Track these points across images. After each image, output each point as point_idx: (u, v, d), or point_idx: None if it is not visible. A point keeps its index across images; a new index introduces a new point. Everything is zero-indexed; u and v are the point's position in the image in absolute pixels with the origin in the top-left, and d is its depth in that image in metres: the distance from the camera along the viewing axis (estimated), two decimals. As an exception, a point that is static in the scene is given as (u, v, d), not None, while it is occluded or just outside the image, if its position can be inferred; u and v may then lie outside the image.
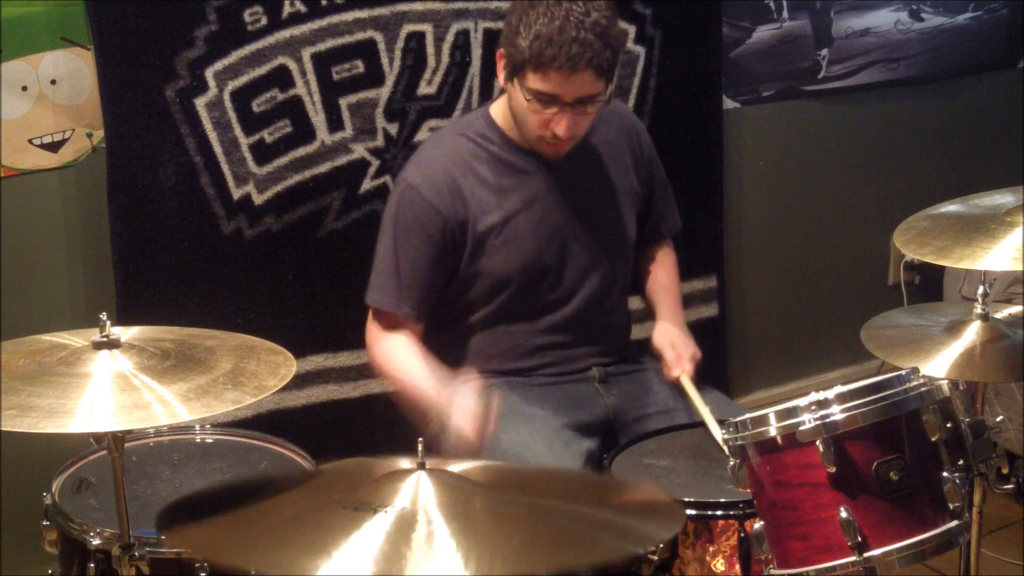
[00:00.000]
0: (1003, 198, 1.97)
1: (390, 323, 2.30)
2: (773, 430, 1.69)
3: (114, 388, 1.58)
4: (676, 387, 2.33)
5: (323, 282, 2.78)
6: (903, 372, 1.73)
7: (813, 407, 1.68)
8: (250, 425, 2.38)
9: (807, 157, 3.54)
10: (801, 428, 1.67)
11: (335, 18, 2.69)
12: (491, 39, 2.84)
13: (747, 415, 1.74)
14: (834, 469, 1.65)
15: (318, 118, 2.72)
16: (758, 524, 1.75)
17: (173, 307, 2.62)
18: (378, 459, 1.66)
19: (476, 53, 2.85)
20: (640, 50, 3.08)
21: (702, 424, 2.24)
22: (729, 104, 3.30)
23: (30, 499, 2.03)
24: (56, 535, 1.90)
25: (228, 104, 2.62)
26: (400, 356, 2.27)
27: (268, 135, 2.68)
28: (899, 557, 1.65)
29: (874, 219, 3.62)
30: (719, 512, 1.90)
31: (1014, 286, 3.15)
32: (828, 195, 3.60)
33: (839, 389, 1.69)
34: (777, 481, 1.71)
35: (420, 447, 1.58)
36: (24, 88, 2.46)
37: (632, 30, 3.05)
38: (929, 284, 3.67)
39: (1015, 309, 2.09)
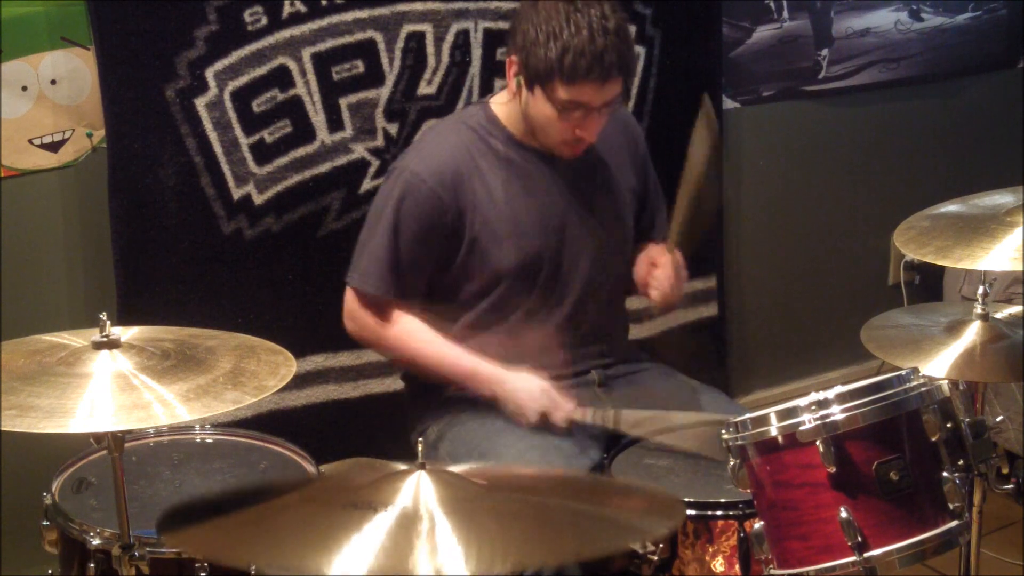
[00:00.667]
0: (1003, 198, 1.98)
1: (381, 306, 2.29)
2: (773, 430, 1.69)
3: (114, 388, 1.58)
4: (669, 378, 2.33)
5: (323, 282, 2.78)
6: (903, 372, 1.74)
7: (813, 407, 1.68)
8: (250, 425, 2.38)
9: (807, 157, 3.54)
10: (801, 428, 1.67)
11: (335, 18, 2.69)
12: (491, 39, 2.84)
13: (747, 415, 1.74)
14: (834, 469, 1.65)
15: (318, 118, 2.72)
16: (758, 524, 1.75)
17: (173, 307, 2.62)
18: (378, 461, 1.66)
19: (476, 53, 2.85)
20: (640, 50, 3.08)
21: (702, 424, 2.24)
22: (729, 104, 3.30)
23: (30, 499, 2.03)
24: (56, 535, 1.90)
25: (228, 104, 2.62)
26: (422, 336, 2.28)
27: (268, 135, 2.68)
28: (899, 557, 1.65)
29: (874, 219, 3.62)
30: (719, 512, 1.90)
31: (1014, 286, 3.15)
32: (828, 195, 3.60)
33: (839, 389, 1.69)
34: (777, 481, 1.71)
35: (420, 447, 1.58)
36: (24, 88, 2.46)
37: (632, 30, 3.05)
38: (929, 284, 3.67)
39: (1015, 309, 2.09)
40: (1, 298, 2.50)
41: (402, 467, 1.60)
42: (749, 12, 3.28)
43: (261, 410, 2.72)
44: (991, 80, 3.81)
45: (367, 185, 2.79)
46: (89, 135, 2.54)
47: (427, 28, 2.79)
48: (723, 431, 1.77)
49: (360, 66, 2.74)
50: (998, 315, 2.04)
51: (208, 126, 2.61)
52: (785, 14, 3.33)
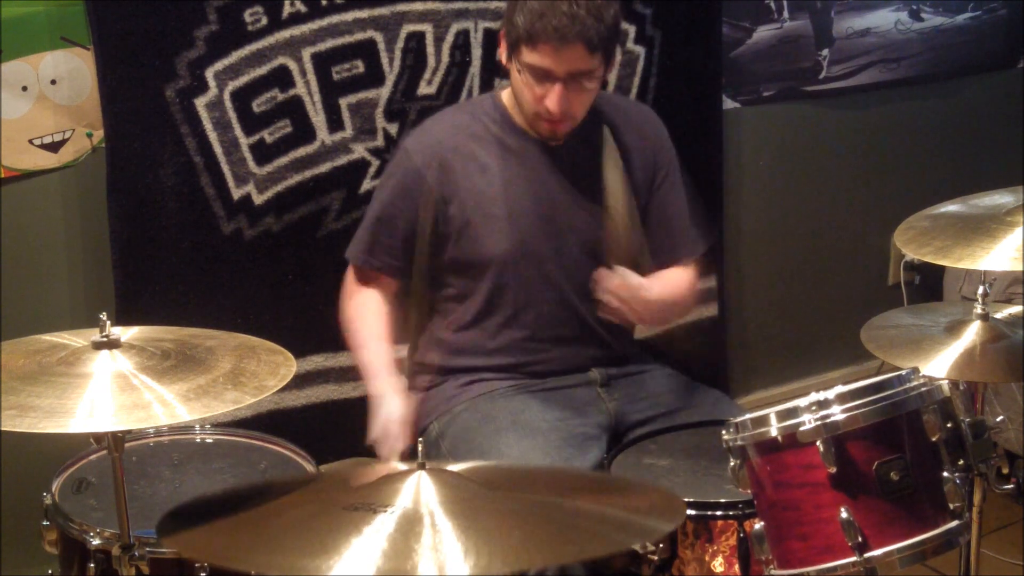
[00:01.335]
0: (1003, 198, 1.97)
1: (364, 278, 2.35)
2: (774, 430, 1.69)
3: (114, 388, 1.58)
4: (670, 378, 2.34)
5: (323, 282, 2.77)
6: (903, 372, 1.74)
7: (813, 407, 1.68)
8: (250, 425, 2.38)
9: (807, 157, 3.54)
10: (802, 428, 1.67)
11: (335, 18, 2.69)
12: (491, 39, 2.84)
13: (747, 415, 1.74)
14: (834, 469, 1.65)
15: (318, 118, 2.72)
16: (758, 524, 1.75)
17: (173, 307, 2.62)
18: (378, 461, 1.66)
19: (476, 53, 2.86)
20: (640, 50, 3.08)
21: (702, 424, 2.24)
22: (729, 104, 3.30)
23: (30, 499, 2.03)
24: (56, 535, 1.90)
25: (228, 104, 2.62)
26: (366, 319, 2.31)
27: (268, 135, 2.68)
28: (899, 557, 1.65)
29: (874, 219, 3.62)
30: (719, 512, 1.90)
31: (1014, 286, 3.15)
32: (828, 195, 3.60)
33: (839, 389, 1.69)
34: (777, 481, 1.71)
35: (420, 447, 1.58)
36: (24, 88, 2.46)
37: (632, 30, 3.05)
38: (929, 284, 3.67)
39: (1015, 309, 2.09)
40: (1, 298, 2.50)
41: (402, 467, 1.60)
42: (749, 12, 3.27)
43: (261, 410, 2.73)
44: (991, 80, 3.80)
45: (367, 185, 2.79)
46: (89, 135, 2.54)
47: (427, 28, 2.79)
48: (723, 431, 1.77)
49: (360, 66, 2.74)
50: (998, 315, 2.04)
51: (208, 126, 2.61)
52: (785, 14, 3.33)
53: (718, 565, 1.90)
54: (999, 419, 2.91)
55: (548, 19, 2.10)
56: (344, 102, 2.74)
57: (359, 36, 2.73)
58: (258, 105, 2.66)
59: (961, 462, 1.75)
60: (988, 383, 2.00)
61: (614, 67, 2.31)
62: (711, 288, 3.33)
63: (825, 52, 3.44)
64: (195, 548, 1.52)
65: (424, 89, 2.82)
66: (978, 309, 2.01)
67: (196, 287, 2.66)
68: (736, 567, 1.88)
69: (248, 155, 2.67)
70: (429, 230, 2.27)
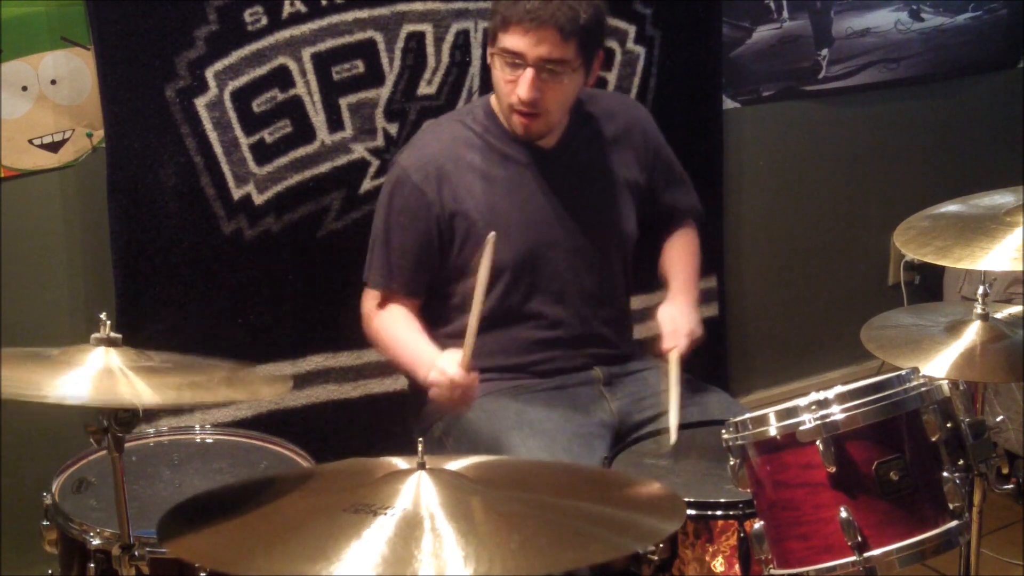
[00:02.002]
0: (1003, 198, 1.97)
1: (384, 301, 2.35)
2: (773, 430, 1.69)
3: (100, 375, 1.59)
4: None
5: (323, 282, 2.78)
6: (903, 372, 1.74)
7: (813, 407, 1.68)
8: (250, 425, 2.39)
9: (807, 157, 3.54)
10: (801, 428, 1.67)
11: (335, 18, 2.69)
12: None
13: (747, 415, 1.74)
14: (834, 469, 1.65)
15: (318, 118, 2.72)
16: (758, 524, 1.75)
17: (173, 307, 2.63)
18: (378, 460, 1.66)
19: (476, 53, 2.86)
20: (640, 50, 3.08)
21: (702, 424, 2.24)
22: (729, 104, 3.30)
23: (30, 499, 2.03)
24: (56, 535, 1.90)
25: (228, 104, 2.62)
26: (396, 326, 2.33)
27: (268, 135, 2.68)
28: (899, 557, 1.65)
29: (874, 219, 3.62)
30: (719, 512, 1.90)
31: (1014, 286, 3.15)
32: (828, 195, 3.60)
33: (839, 389, 1.69)
34: (777, 481, 1.71)
35: (420, 447, 1.58)
36: (24, 88, 2.46)
37: (632, 30, 3.05)
38: (929, 284, 3.67)
39: (1015, 309, 2.09)
40: (1, 298, 2.50)
41: (402, 465, 1.60)
42: (749, 12, 3.27)
43: (261, 410, 2.73)
44: (991, 80, 3.80)
45: (367, 185, 2.79)
46: (89, 135, 2.54)
47: (427, 28, 2.79)
48: (723, 431, 1.78)
49: (360, 66, 2.74)
50: (998, 315, 2.04)
51: (208, 126, 2.61)
52: (785, 14, 3.33)
53: (718, 565, 1.90)
54: (999, 419, 2.91)
55: (523, 2, 2.14)
56: (344, 102, 2.74)
57: (359, 36, 2.73)
58: (258, 105, 2.66)
59: (961, 462, 1.75)
60: (988, 383, 2.00)
61: (597, 70, 2.31)
62: (711, 288, 3.33)
63: (825, 52, 3.44)
64: (195, 552, 1.51)
65: (424, 89, 2.82)
66: (978, 309, 2.01)
67: (196, 287, 2.66)
68: (736, 567, 1.88)
69: (248, 155, 2.67)
70: (437, 244, 2.28)
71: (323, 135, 2.73)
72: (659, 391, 2.36)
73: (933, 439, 1.70)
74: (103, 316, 1.68)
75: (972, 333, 1.99)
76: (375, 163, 2.80)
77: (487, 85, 2.85)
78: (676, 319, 2.33)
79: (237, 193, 2.67)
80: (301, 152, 2.72)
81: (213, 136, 2.62)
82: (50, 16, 2.45)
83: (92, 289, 2.61)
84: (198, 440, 2.17)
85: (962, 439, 1.75)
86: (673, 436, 2.13)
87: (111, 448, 1.62)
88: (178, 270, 2.63)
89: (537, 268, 2.31)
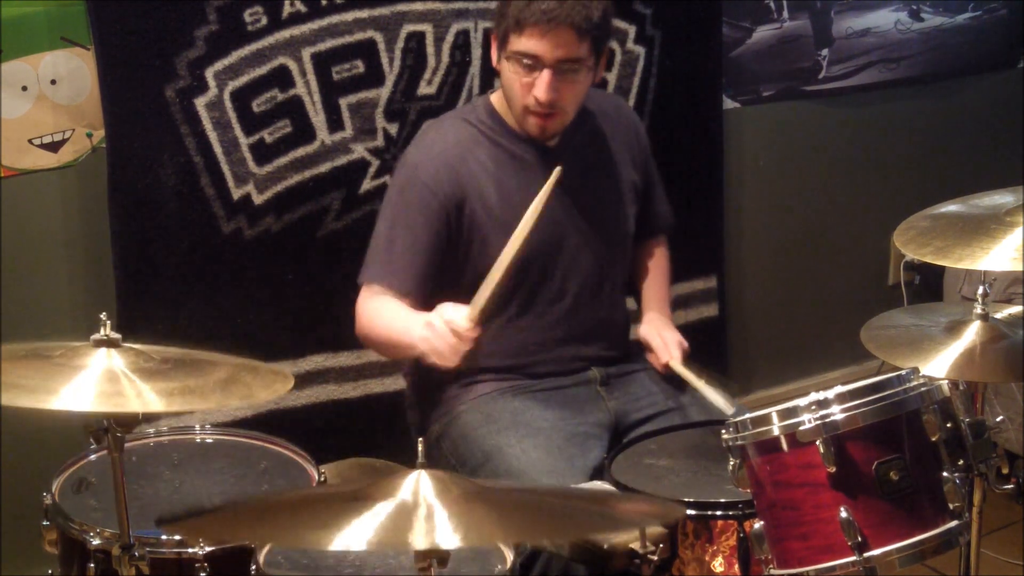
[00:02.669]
0: (1003, 198, 1.97)
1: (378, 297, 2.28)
2: (774, 430, 1.69)
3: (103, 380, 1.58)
4: (669, 376, 2.35)
5: (323, 282, 2.78)
6: (903, 372, 1.74)
7: (813, 407, 1.68)
8: (250, 425, 2.38)
9: (807, 157, 3.54)
10: (801, 428, 1.67)
11: (335, 18, 2.69)
12: (491, 39, 2.84)
13: (747, 415, 1.74)
14: (834, 469, 1.65)
15: (318, 118, 2.72)
16: (758, 524, 1.75)
17: (173, 307, 2.63)
18: (379, 462, 1.66)
19: (476, 53, 2.86)
20: (640, 50, 3.08)
21: (702, 424, 2.24)
22: (729, 104, 3.30)
23: (30, 499, 2.03)
24: (56, 535, 1.90)
25: (228, 104, 2.62)
26: (386, 306, 2.23)
27: (268, 135, 2.68)
28: (899, 557, 1.65)
29: (874, 219, 3.62)
30: (719, 512, 1.89)
31: (1014, 286, 3.15)
32: (828, 195, 3.60)
33: (839, 389, 1.69)
34: (777, 481, 1.71)
35: (420, 447, 1.58)
36: (24, 88, 2.46)
37: (632, 30, 3.05)
38: (929, 284, 3.67)
39: (1015, 309, 2.08)
40: (1, 298, 2.50)
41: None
42: (749, 12, 3.28)
43: (261, 410, 2.73)
44: (991, 80, 3.80)
45: (367, 185, 2.79)
46: (89, 135, 2.54)
47: (427, 28, 2.79)
48: (723, 431, 1.78)
49: (360, 66, 2.74)
50: (998, 315, 2.04)
51: (208, 126, 2.61)
52: (785, 14, 3.33)
53: (718, 565, 1.90)
54: (999, 419, 2.91)
55: (537, 3, 2.12)
56: (344, 102, 2.74)
57: (359, 36, 2.73)
58: (258, 105, 2.66)
59: (961, 462, 1.75)
60: (988, 383, 2.00)
61: (603, 67, 2.31)
62: (711, 288, 3.34)
63: (825, 52, 3.44)
64: (197, 530, 1.51)
65: (424, 89, 2.82)
66: (978, 309, 2.00)
67: (196, 287, 2.66)
68: (736, 567, 1.88)
69: (248, 155, 2.67)
70: (445, 242, 2.26)
71: (323, 135, 2.73)
72: (657, 391, 2.37)
73: (933, 439, 1.70)
74: (103, 316, 1.68)
75: (972, 333, 1.99)
76: (375, 163, 2.80)
77: (487, 85, 2.86)
78: (662, 334, 2.38)
79: (237, 193, 2.67)
80: (301, 152, 2.72)
81: (213, 136, 2.62)
82: (50, 16, 2.45)
83: (92, 289, 2.61)
84: (198, 440, 2.17)
85: (962, 439, 1.75)
86: (729, 408, 2.16)
87: (111, 448, 1.62)
88: (178, 270, 2.63)
89: (541, 267, 2.31)
